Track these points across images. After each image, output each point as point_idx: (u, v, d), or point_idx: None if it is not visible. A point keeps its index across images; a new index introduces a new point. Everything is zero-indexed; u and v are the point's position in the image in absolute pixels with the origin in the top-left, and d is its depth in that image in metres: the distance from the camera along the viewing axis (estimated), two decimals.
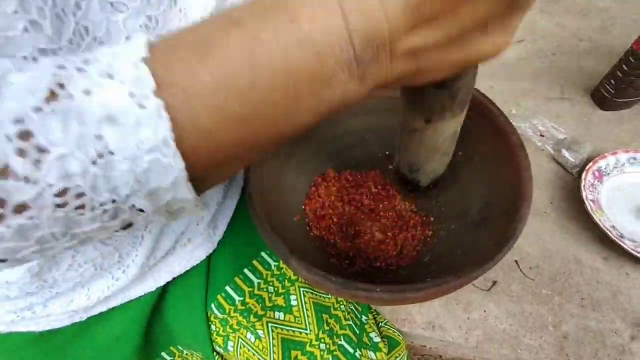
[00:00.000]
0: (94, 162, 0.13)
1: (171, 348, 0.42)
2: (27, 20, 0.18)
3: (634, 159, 0.55)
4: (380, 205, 0.46)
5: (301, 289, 0.40)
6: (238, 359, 0.39)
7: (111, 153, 0.13)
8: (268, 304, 0.39)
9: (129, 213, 0.15)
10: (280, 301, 0.39)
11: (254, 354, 0.37)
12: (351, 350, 0.37)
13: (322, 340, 0.37)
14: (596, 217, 0.49)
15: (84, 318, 0.35)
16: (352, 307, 0.43)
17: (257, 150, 0.18)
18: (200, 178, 0.16)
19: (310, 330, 0.37)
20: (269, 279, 0.41)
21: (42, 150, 0.13)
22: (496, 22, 0.16)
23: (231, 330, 0.38)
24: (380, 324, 0.45)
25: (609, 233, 0.47)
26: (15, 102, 0.13)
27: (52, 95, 0.13)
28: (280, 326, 0.37)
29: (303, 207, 0.44)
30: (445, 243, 0.40)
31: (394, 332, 0.44)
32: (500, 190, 0.35)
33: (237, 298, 0.39)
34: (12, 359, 0.35)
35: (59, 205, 0.14)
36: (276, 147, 0.18)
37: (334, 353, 0.36)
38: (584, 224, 0.52)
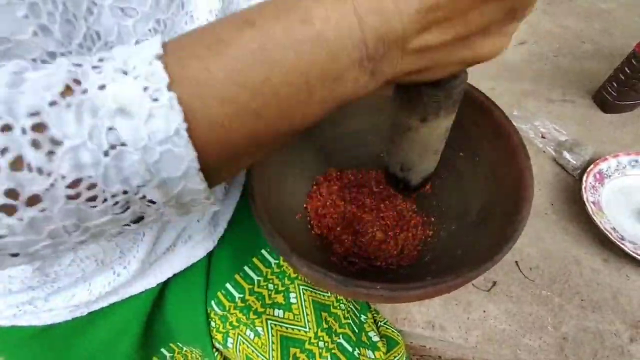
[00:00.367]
0: (106, 153, 0.14)
1: (171, 344, 0.42)
2: (37, 25, 0.18)
3: (636, 161, 0.55)
4: (382, 205, 0.46)
5: (301, 287, 0.40)
6: (237, 356, 0.39)
7: (123, 144, 0.14)
8: (268, 301, 0.39)
9: (140, 205, 0.16)
10: (279, 299, 0.39)
11: (253, 351, 0.37)
12: (350, 349, 0.37)
13: (321, 339, 0.37)
14: (597, 219, 0.49)
15: (85, 313, 0.35)
16: (352, 306, 0.43)
17: (268, 143, 0.18)
18: (211, 171, 0.16)
19: (309, 328, 0.37)
20: (269, 276, 0.41)
21: (56, 142, 0.13)
22: (496, 28, 0.17)
23: (231, 327, 0.38)
24: (379, 323, 0.45)
25: (610, 235, 0.47)
26: (32, 97, 0.13)
27: (68, 90, 0.13)
28: (280, 324, 0.38)
29: (304, 206, 0.44)
30: (446, 243, 0.40)
31: (393, 331, 0.44)
32: (501, 190, 0.35)
33: (237, 295, 0.39)
34: (14, 353, 0.36)
35: (71, 197, 0.14)
36: (286, 141, 0.19)
37: (333, 351, 0.36)
38: (585, 226, 0.52)
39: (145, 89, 0.14)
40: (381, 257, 0.42)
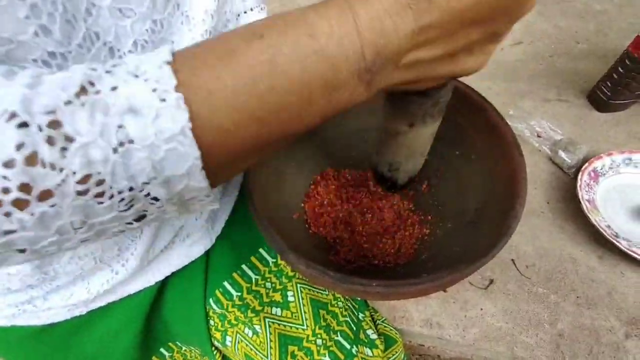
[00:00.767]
0: (115, 150, 0.14)
1: (170, 344, 0.43)
2: (37, 25, 0.19)
3: (629, 159, 0.56)
4: (379, 204, 0.46)
5: (298, 286, 0.40)
6: (236, 354, 0.39)
7: (131, 142, 0.14)
8: (265, 299, 0.39)
9: (143, 202, 0.16)
10: (277, 297, 0.40)
11: (251, 349, 0.37)
12: (348, 346, 0.38)
13: (319, 336, 0.37)
14: (592, 216, 0.49)
15: (84, 312, 0.35)
16: (350, 305, 0.43)
17: (270, 147, 0.19)
18: (213, 171, 0.17)
19: (307, 326, 0.38)
20: (267, 275, 0.41)
21: (69, 138, 0.14)
22: (479, 47, 0.20)
23: (229, 325, 0.38)
24: (377, 322, 0.45)
25: (604, 232, 0.48)
26: (49, 97, 0.14)
27: (82, 91, 0.14)
28: (277, 322, 0.38)
29: (302, 205, 0.45)
30: (442, 241, 0.41)
31: (391, 330, 0.45)
32: (496, 188, 0.36)
33: (235, 293, 0.39)
34: (14, 352, 0.36)
35: (80, 193, 0.14)
36: (285, 145, 0.20)
37: (331, 349, 0.37)
38: (580, 224, 0.53)
39: (154, 90, 0.15)
40: (379, 255, 0.42)
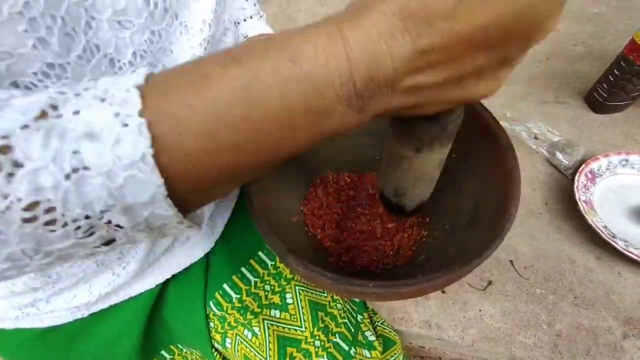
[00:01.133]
0: (67, 177, 0.14)
1: (171, 346, 0.43)
2: (35, 38, 0.19)
3: (626, 160, 0.56)
4: (378, 207, 0.47)
5: (297, 288, 0.41)
6: (236, 356, 0.39)
7: (86, 168, 0.14)
8: (264, 302, 0.40)
9: (107, 229, 0.16)
10: (276, 299, 0.40)
11: (250, 351, 0.38)
12: (346, 348, 0.38)
13: (317, 338, 0.37)
14: (589, 217, 0.50)
15: (86, 315, 0.36)
16: (348, 306, 0.43)
17: (249, 174, 0.18)
18: (184, 198, 0.16)
19: (306, 328, 0.38)
20: (266, 277, 0.42)
21: (17, 164, 0.13)
22: (490, 72, 0.18)
23: (229, 327, 0.39)
24: (376, 324, 0.46)
25: (602, 233, 0.48)
26: (6, 121, 0.13)
27: (42, 115, 0.14)
28: (276, 323, 0.38)
29: (301, 208, 0.45)
30: (440, 242, 0.41)
31: (390, 332, 0.45)
32: (491, 190, 0.36)
33: (234, 296, 0.40)
34: (17, 355, 0.36)
35: (26, 220, 0.14)
36: (271, 169, 0.19)
37: (329, 350, 0.37)
38: (578, 225, 0.53)
39: (117, 114, 0.14)
40: (377, 257, 0.43)
